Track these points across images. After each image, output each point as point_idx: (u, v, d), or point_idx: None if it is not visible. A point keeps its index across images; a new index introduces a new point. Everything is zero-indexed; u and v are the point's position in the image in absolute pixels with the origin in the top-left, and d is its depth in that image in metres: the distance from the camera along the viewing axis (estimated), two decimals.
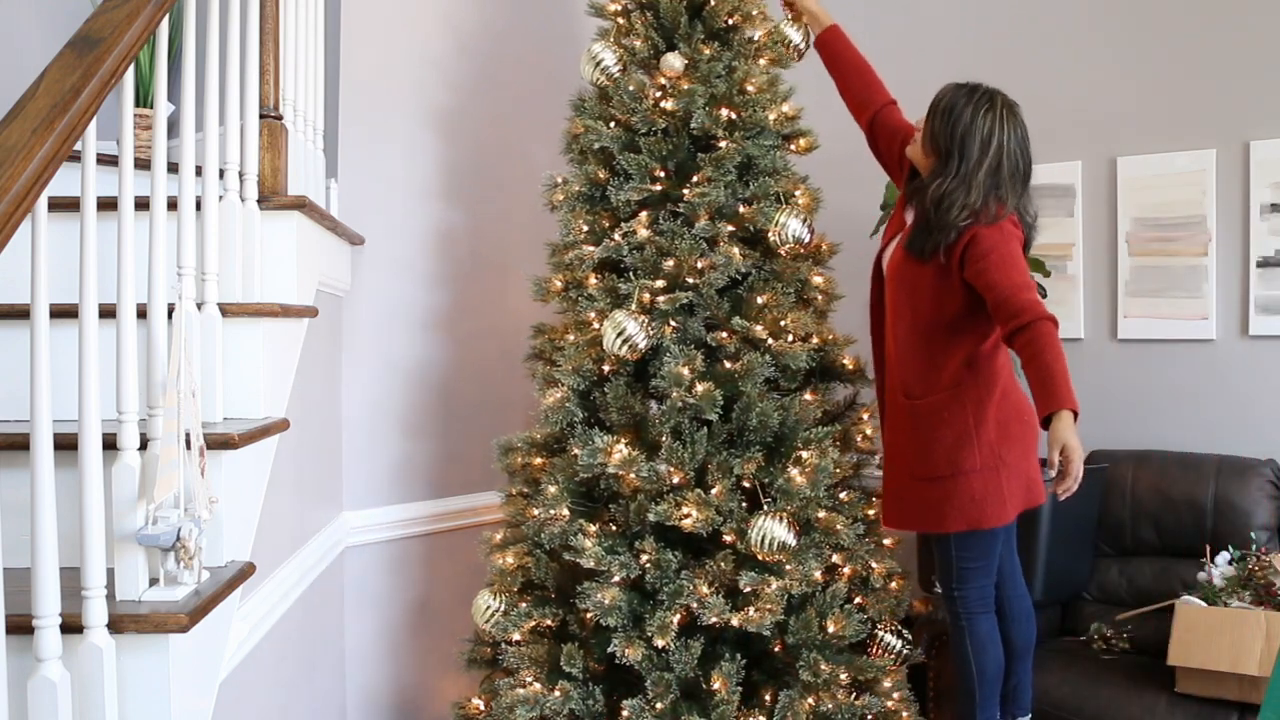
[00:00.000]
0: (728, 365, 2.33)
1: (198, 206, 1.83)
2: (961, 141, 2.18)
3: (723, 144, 2.41)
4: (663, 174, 2.43)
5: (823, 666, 2.18)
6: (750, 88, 2.43)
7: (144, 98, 3.05)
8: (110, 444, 1.49)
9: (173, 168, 1.80)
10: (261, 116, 2.09)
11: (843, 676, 2.23)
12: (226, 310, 1.87)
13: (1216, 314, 3.11)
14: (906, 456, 2.28)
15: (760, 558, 2.17)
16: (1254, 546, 2.71)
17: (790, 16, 2.59)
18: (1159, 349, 3.22)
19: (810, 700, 2.19)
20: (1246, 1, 3.06)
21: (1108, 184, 3.30)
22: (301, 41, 2.38)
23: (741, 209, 2.41)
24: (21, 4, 3.11)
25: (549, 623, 2.36)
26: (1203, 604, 2.59)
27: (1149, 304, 3.23)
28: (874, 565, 2.39)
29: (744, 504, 2.25)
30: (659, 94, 2.45)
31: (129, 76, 1.54)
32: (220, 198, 1.95)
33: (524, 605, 2.36)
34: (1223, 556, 2.72)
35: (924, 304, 2.23)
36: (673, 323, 2.35)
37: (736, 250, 2.36)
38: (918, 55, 3.55)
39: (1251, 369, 3.07)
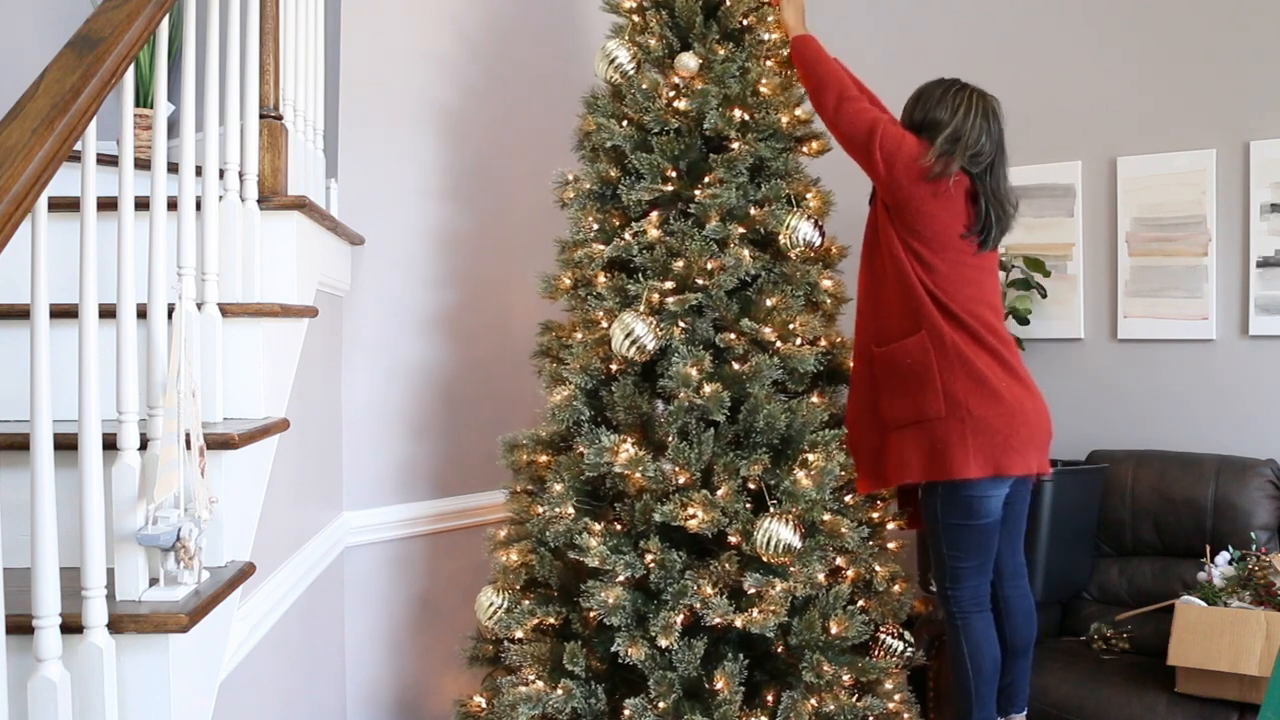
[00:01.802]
0: (735, 367, 2.32)
1: (198, 206, 1.83)
2: (927, 114, 2.32)
3: (735, 145, 2.40)
4: (674, 174, 2.43)
5: (825, 668, 2.18)
6: (764, 89, 2.43)
7: (144, 98, 3.04)
8: (110, 444, 1.48)
9: (173, 168, 1.80)
10: (261, 116, 2.09)
11: (845, 678, 2.22)
12: (226, 310, 1.87)
13: (1216, 314, 3.11)
14: (876, 407, 2.34)
15: (765, 559, 2.17)
16: (1254, 546, 2.71)
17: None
18: (1159, 349, 3.22)
19: (813, 701, 2.19)
20: (1246, 1, 3.06)
21: (1108, 184, 3.30)
22: (301, 41, 2.38)
23: (752, 211, 2.40)
24: (21, 4, 3.10)
25: (552, 621, 2.36)
26: (1203, 604, 2.59)
27: (1149, 304, 3.23)
28: (877, 568, 2.39)
29: (749, 505, 2.24)
30: (672, 93, 2.44)
31: (129, 76, 1.54)
32: (220, 198, 1.95)
33: (527, 603, 2.36)
34: (1223, 556, 2.72)
35: (869, 247, 2.40)
36: (681, 324, 2.34)
37: (746, 252, 2.35)
38: (917, 56, 3.55)
39: (1251, 369, 3.07)
